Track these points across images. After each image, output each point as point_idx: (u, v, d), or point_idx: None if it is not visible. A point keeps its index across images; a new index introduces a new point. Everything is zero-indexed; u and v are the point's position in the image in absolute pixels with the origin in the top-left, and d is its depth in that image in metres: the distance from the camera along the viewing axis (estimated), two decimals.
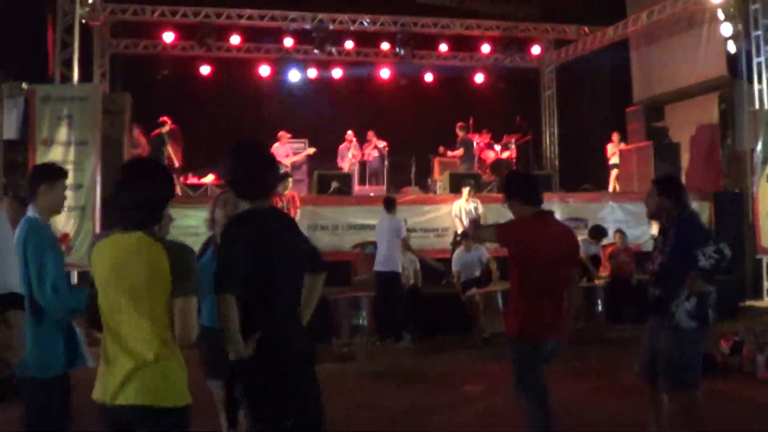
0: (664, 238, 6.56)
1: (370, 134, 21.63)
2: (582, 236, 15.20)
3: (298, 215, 14.70)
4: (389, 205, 13.61)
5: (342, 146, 21.13)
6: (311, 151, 20.71)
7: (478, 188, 17.73)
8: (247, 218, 4.67)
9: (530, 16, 24.28)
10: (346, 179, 17.68)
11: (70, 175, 13.27)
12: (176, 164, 19.53)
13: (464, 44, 24.12)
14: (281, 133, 20.25)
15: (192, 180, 20.84)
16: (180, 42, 22.18)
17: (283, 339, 4.48)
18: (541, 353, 6.16)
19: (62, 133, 13.56)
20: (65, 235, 13.48)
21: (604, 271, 15.16)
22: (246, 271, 4.41)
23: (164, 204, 4.10)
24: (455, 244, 15.07)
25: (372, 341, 12.41)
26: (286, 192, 14.72)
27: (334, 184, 17.15)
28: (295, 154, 20.50)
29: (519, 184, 6.38)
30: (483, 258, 14.18)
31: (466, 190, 15.90)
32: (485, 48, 23.53)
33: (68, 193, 13.26)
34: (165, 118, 19.23)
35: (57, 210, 5.37)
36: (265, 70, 23.54)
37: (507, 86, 24.92)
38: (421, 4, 24.78)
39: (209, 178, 20.84)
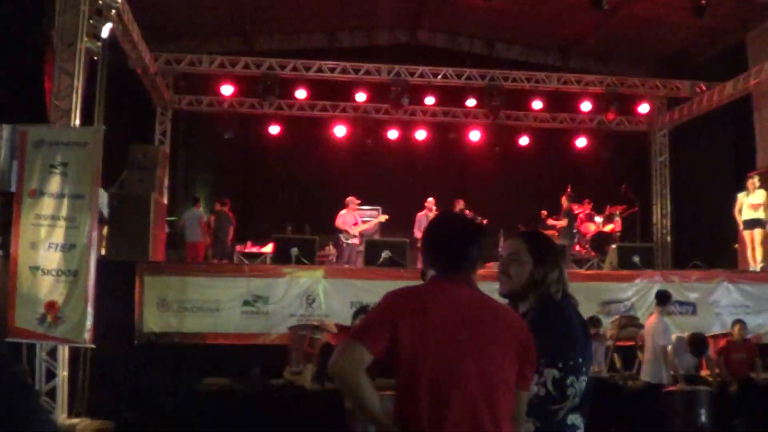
0: None
1: (459, 204, 19.08)
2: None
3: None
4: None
5: (420, 214, 18.69)
6: (383, 218, 18.67)
7: None
8: None
9: (640, 73, 21.65)
10: (400, 248, 14.98)
11: (61, 233, 11.38)
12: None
13: (563, 102, 21.49)
14: (349, 199, 18.29)
15: (251, 249, 18.89)
16: (242, 98, 20.35)
17: None
18: None
19: (54, 183, 11.44)
20: (52, 304, 11.30)
21: (709, 371, 12.08)
22: None
23: None
24: None
25: None
26: None
27: (385, 254, 14.57)
28: (364, 222, 18.28)
29: (428, 237, 3.69)
30: None
31: None
32: (585, 106, 20.85)
33: (58, 254, 11.44)
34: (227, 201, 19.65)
35: None
36: (340, 131, 21.39)
37: (612, 151, 22.09)
38: (517, 61, 22.54)
39: (269, 248, 18.80)
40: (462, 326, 3.35)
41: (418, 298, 3.42)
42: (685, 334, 12.06)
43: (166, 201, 18.15)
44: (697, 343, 11.83)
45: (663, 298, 11.78)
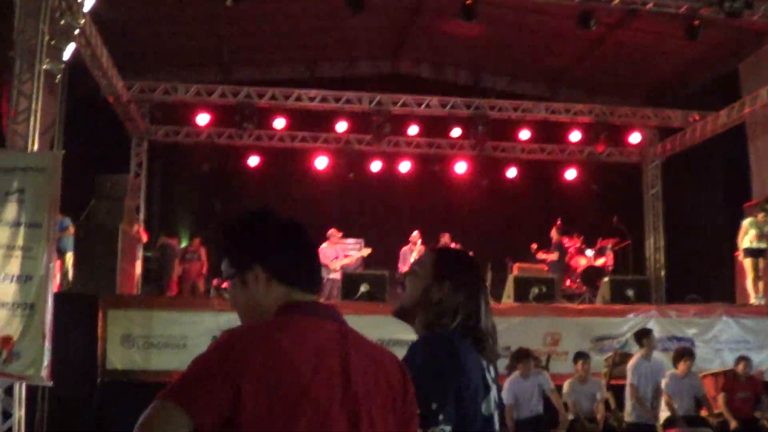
0: None
1: (445, 237, 18.37)
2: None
3: None
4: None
5: (405, 248, 18.01)
6: (366, 252, 17.94)
7: (551, 297, 14.32)
8: None
9: (631, 104, 21.07)
10: (379, 282, 14.16)
11: (17, 264, 10.65)
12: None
13: (551, 133, 20.84)
14: (331, 231, 17.56)
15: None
16: (220, 128, 19.68)
17: None
18: None
19: (10, 210, 10.70)
20: (6, 339, 10.53)
21: (708, 411, 11.36)
22: None
23: None
24: (510, 368, 11.42)
25: None
26: None
27: (363, 287, 13.75)
28: (346, 255, 17.53)
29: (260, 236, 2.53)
30: (545, 387, 10.68)
31: None
32: (575, 136, 20.20)
33: (13, 286, 10.66)
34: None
35: None
36: (321, 162, 20.64)
37: (603, 183, 21.47)
38: (504, 91, 21.89)
39: None
40: (332, 385, 2.27)
41: (270, 346, 2.23)
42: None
43: (144, 234, 17.47)
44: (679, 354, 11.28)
45: (638, 337, 11.15)
